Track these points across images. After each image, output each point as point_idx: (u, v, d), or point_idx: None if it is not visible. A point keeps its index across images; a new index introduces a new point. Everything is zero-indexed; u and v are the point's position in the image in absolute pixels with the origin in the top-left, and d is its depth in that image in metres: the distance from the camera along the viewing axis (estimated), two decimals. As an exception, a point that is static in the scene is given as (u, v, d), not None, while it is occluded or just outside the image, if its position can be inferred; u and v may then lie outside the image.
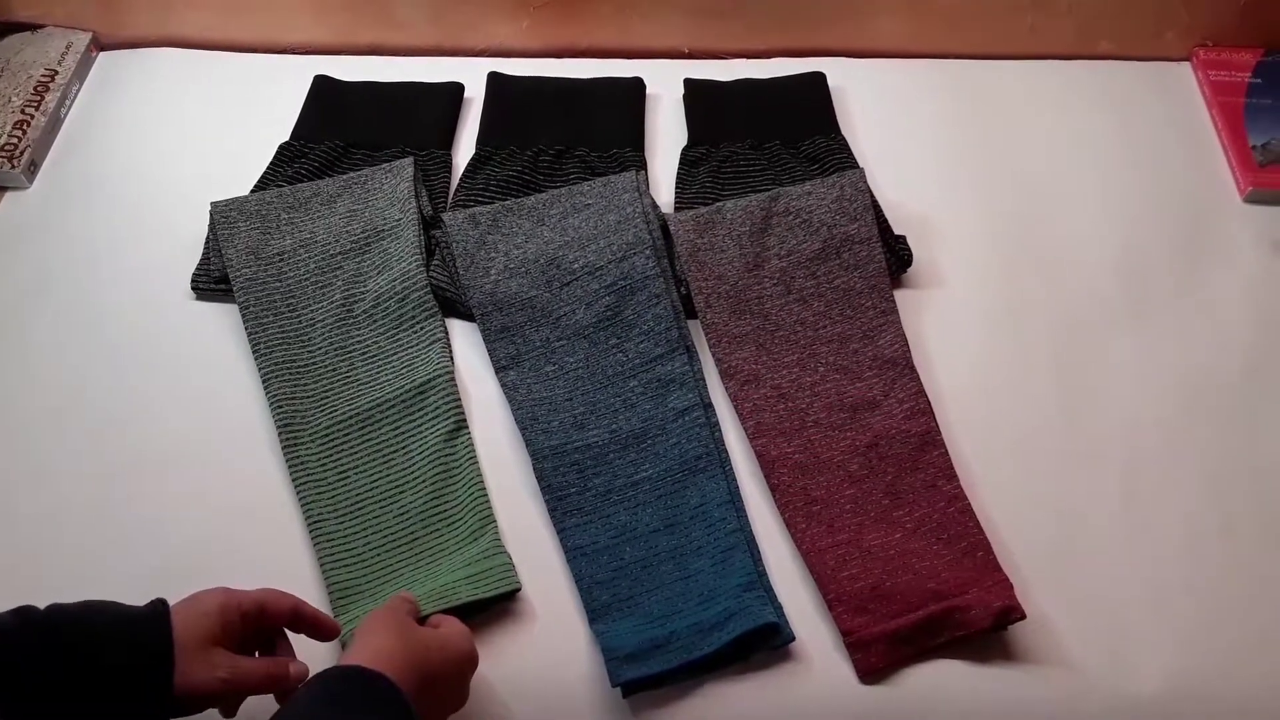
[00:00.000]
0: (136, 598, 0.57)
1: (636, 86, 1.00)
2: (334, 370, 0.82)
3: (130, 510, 0.75)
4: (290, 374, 0.81)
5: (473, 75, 1.01)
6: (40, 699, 0.52)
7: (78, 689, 0.52)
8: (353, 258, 0.87)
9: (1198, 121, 0.99)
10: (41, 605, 0.54)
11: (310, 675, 0.55)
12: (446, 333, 0.84)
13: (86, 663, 0.53)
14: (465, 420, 0.79)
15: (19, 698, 0.51)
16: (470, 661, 0.62)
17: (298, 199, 0.89)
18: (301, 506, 0.75)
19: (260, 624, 0.60)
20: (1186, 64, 1.03)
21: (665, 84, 1.01)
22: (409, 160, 0.91)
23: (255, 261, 0.86)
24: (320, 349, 0.82)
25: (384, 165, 0.91)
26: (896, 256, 0.86)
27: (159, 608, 0.57)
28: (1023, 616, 0.67)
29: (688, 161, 0.94)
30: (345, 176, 0.91)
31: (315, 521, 0.74)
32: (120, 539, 0.74)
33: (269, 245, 0.87)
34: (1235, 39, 1.02)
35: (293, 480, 0.76)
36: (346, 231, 0.88)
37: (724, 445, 0.77)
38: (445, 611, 0.66)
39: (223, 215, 0.88)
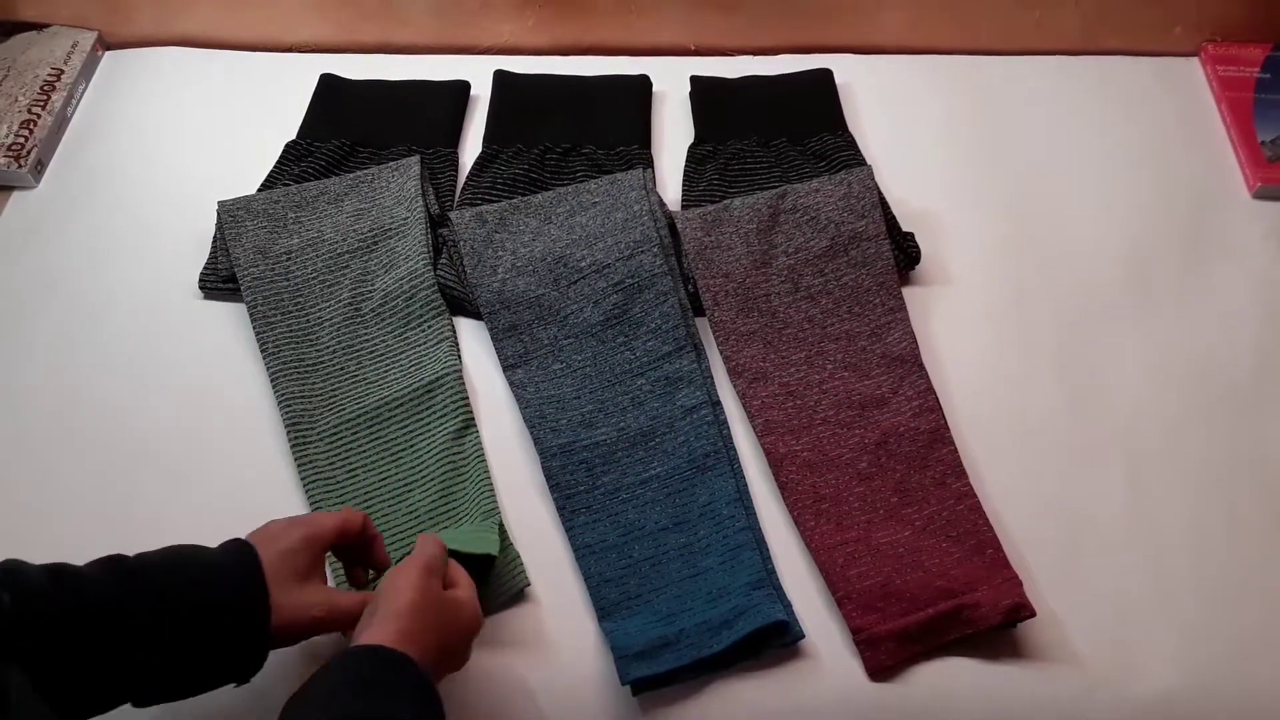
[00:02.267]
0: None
1: (643, 84, 1.00)
2: (342, 369, 0.82)
3: (137, 509, 0.76)
4: (298, 373, 0.81)
5: (479, 73, 1.01)
6: (138, 649, 0.52)
7: (175, 637, 0.52)
8: (360, 256, 0.87)
9: (1206, 117, 0.99)
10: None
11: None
12: (454, 331, 0.84)
13: (183, 612, 0.53)
14: (473, 419, 0.79)
15: (118, 647, 0.51)
16: (477, 627, 0.62)
17: (305, 198, 0.89)
18: (310, 505, 0.75)
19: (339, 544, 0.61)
20: (1195, 59, 1.03)
21: (671, 81, 1.00)
22: (416, 159, 0.91)
23: (263, 260, 0.86)
24: (328, 348, 0.82)
25: (391, 164, 0.91)
26: (904, 253, 0.86)
27: (246, 550, 0.57)
28: (1032, 614, 0.67)
29: (694, 159, 0.94)
30: (352, 175, 0.91)
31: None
32: (126, 538, 0.73)
33: (276, 244, 0.87)
34: (1244, 34, 1.02)
35: (301, 479, 0.76)
36: (354, 230, 0.88)
37: (732, 443, 0.77)
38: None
39: (230, 214, 0.88)
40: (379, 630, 0.54)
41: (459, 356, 0.82)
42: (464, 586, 0.62)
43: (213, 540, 0.71)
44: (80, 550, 0.74)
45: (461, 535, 0.70)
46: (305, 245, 0.87)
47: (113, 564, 0.54)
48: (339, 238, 0.87)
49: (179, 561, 0.55)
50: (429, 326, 0.83)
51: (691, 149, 0.95)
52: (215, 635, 0.54)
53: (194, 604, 0.53)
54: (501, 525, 0.73)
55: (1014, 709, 0.67)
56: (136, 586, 0.53)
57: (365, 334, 0.83)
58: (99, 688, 0.52)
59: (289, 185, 0.91)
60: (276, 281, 0.85)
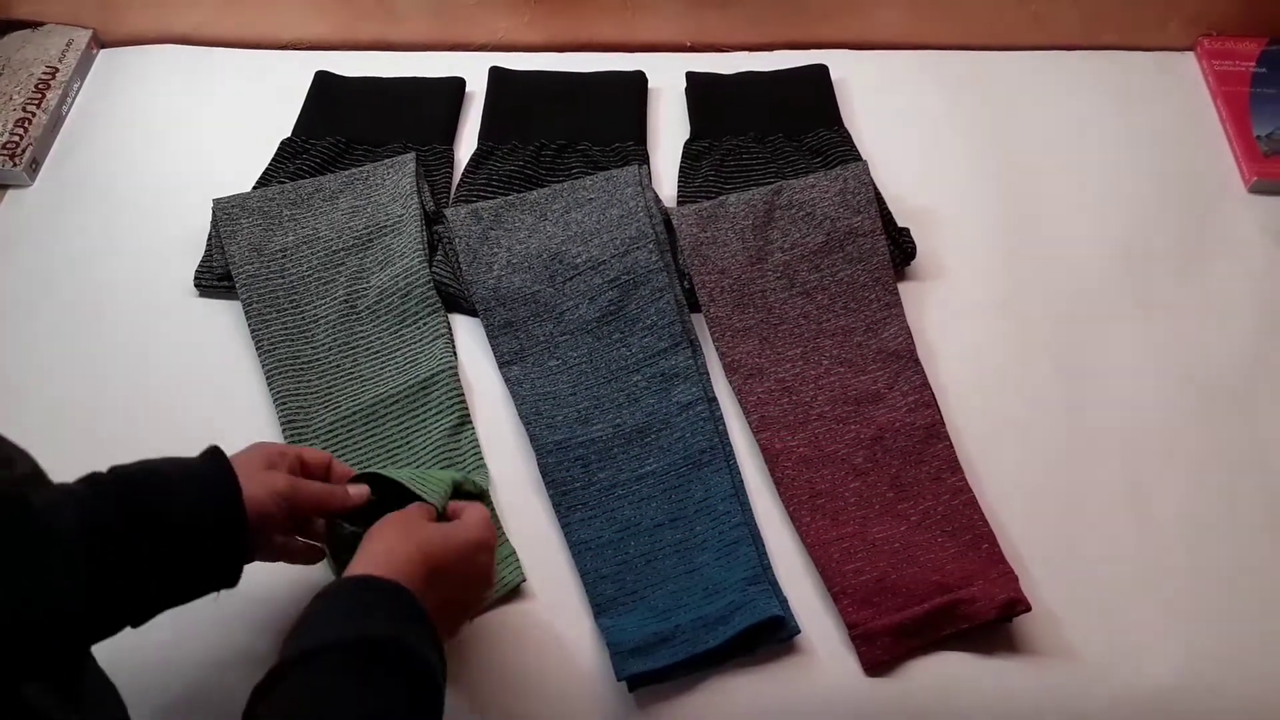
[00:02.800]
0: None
1: (638, 80, 1.00)
2: (338, 366, 0.82)
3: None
4: (294, 370, 0.81)
5: (474, 70, 1.01)
6: (126, 558, 0.51)
7: (157, 539, 0.52)
8: (355, 253, 0.87)
9: (1202, 112, 0.98)
10: None
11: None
12: (450, 328, 0.84)
13: (160, 512, 0.53)
14: (469, 415, 0.79)
15: (108, 559, 0.51)
16: (483, 546, 0.61)
17: (300, 195, 0.89)
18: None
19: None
20: (1190, 54, 1.03)
21: (667, 77, 1.00)
22: (411, 156, 0.91)
23: (258, 258, 0.86)
24: (324, 345, 0.82)
25: (386, 161, 0.91)
26: (900, 249, 0.85)
27: (212, 450, 0.58)
28: (1028, 608, 0.67)
29: (690, 155, 0.94)
30: (347, 172, 0.91)
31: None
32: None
33: (272, 242, 0.87)
34: (1240, 28, 1.02)
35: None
36: (349, 227, 0.88)
37: (728, 439, 0.77)
38: None
39: (225, 212, 0.88)
40: (360, 563, 0.55)
41: (454, 353, 0.82)
42: (467, 510, 0.62)
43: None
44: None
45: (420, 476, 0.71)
46: (300, 242, 0.87)
47: (91, 482, 0.54)
48: (334, 235, 0.87)
49: (150, 470, 0.56)
50: (424, 323, 0.83)
51: (687, 145, 0.95)
52: (192, 535, 0.54)
53: (166, 505, 0.53)
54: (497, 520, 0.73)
55: (1010, 704, 0.67)
56: (119, 500, 0.52)
57: (361, 331, 0.83)
58: (106, 609, 0.52)
59: (284, 183, 0.91)
60: (272, 279, 0.85)
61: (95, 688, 0.53)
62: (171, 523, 0.53)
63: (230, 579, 0.57)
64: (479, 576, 0.61)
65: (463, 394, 0.80)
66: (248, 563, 0.58)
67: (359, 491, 0.63)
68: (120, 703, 0.56)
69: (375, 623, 0.52)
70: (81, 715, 0.42)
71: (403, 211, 0.88)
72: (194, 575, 0.55)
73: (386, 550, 0.56)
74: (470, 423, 0.79)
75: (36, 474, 0.51)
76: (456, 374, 0.81)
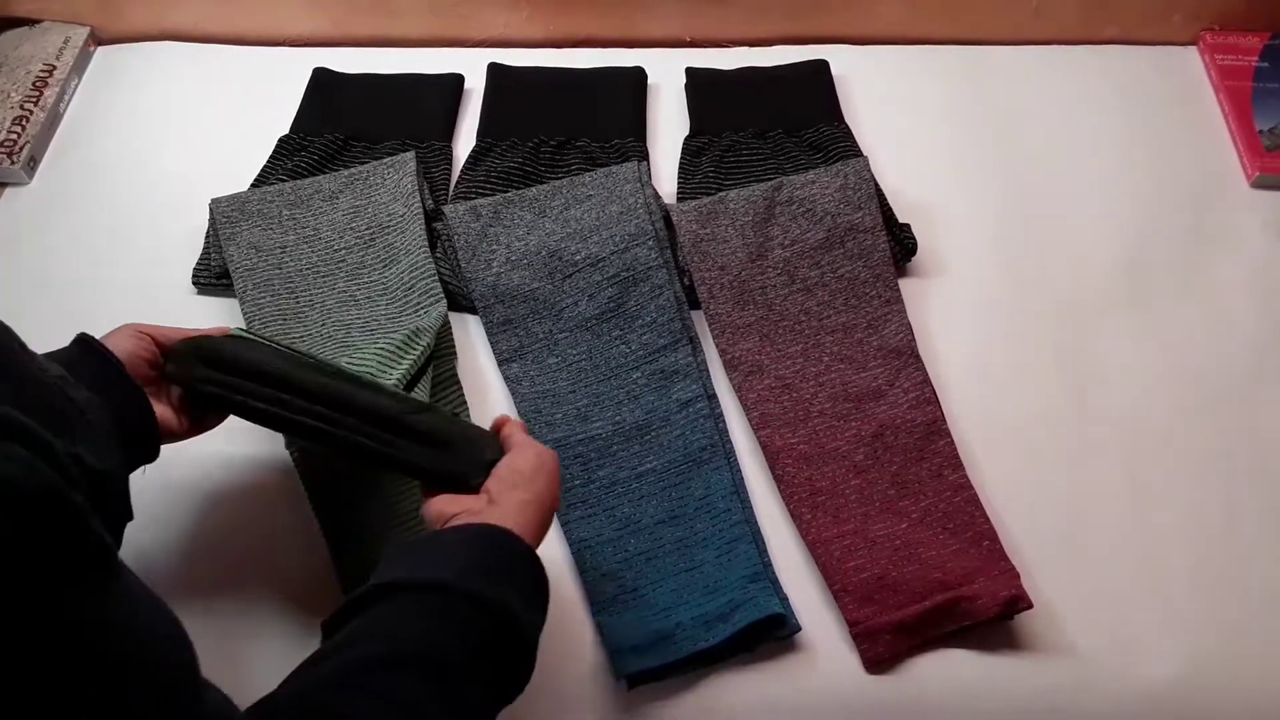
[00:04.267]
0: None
1: (638, 76, 0.99)
2: (330, 338, 0.81)
3: (133, 503, 0.75)
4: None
5: (473, 66, 1.00)
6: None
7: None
8: (357, 252, 0.86)
9: (1204, 106, 0.98)
10: None
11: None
12: (449, 326, 0.83)
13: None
14: (468, 414, 0.79)
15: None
16: (556, 472, 0.61)
17: (299, 196, 0.89)
18: (310, 497, 0.74)
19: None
20: (1193, 48, 1.03)
21: (667, 73, 1.00)
22: (410, 154, 0.91)
23: (256, 254, 0.85)
24: (316, 324, 0.82)
25: (386, 160, 0.91)
26: (901, 245, 0.85)
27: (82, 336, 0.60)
28: (1030, 606, 0.67)
29: (690, 151, 0.94)
30: (347, 172, 0.90)
31: (322, 513, 0.73)
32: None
33: (270, 242, 0.86)
34: (1242, 22, 1.02)
35: (299, 473, 0.75)
36: (350, 227, 0.87)
37: (728, 436, 0.77)
38: None
39: (223, 214, 0.87)
40: (507, 515, 0.55)
41: (454, 351, 0.82)
42: (521, 436, 0.61)
43: (207, 527, 0.71)
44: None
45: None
46: (300, 242, 0.86)
47: None
48: (335, 235, 0.87)
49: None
50: (428, 314, 0.83)
51: (687, 141, 0.94)
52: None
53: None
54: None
55: (1011, 701, 0.67)
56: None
57: (358, 314, 0.83)
58: None
59: (283, 180, 0.91)
60: (272, 278, 0.84)
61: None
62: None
63: (149, 447, 0.59)
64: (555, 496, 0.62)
65: (461, 391, 0.79)
66: (166, 433, 0.59)
67: (218, 329, 0.64)
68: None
69: (506, 589, 0.51)
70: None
71: (404, 210, 0.87)
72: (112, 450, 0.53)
73: (519, 512, 0.56)
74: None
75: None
76: (456, 372, 0.80)
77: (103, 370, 0.58)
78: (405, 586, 0.50)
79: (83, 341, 0.59)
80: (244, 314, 0.82)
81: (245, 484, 0.76)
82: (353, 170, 0.90)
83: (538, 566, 0.54)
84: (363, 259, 0.86)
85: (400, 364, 0.73)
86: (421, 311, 0.83)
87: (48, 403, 0.46)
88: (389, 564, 0.53)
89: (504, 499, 0.56)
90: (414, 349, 0.75)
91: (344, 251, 0.86)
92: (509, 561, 0.53)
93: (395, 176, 0.89)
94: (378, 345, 0.75)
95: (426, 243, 0.86)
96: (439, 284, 0.83)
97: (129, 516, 0.50)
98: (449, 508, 0.57)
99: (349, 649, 0.47)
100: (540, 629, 0.54)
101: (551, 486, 0.59)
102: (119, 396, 0.57)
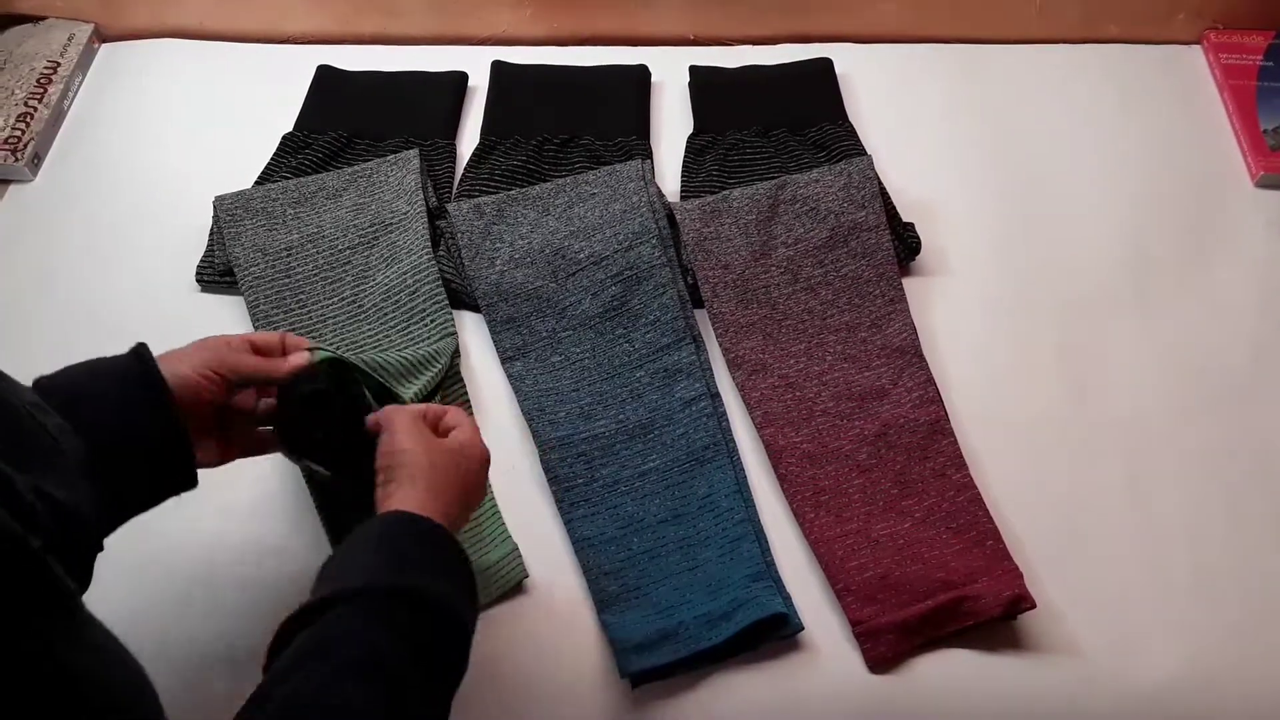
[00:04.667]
0: (143, 592, 0.57)
1: (641, 74, 0.99)
2: None
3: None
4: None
5: (476, 64, 1.00)
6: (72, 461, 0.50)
7: (99, 452, 0.51)
8: (361, 251, 0.86)
9: (1208, 105, 0.98)
10: None
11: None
12: (455, 325, 0.83)
13: (93, 424, 0.51)
14: (471, 411, 0.79)
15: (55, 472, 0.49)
16: (487, 462, 0.62)
17: (303, 193, 0.89)
18: (314, 499, 0.74)
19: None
20: (1197, 47, 1.02)
21: (670, 71, 1.00)
22: (414, 152, 0.91)
23: (263, 259, 0.85)
24: (330, 344, 0.82)
25: (389, 158, 0.91)
26: (905, 244, 0.85)
27: (137, 347, 0.57)
28: (1032, 606, 0.67)
29: (693, 149, 0.94)
30: (350, 170, 0.90)
31: (326, 514, 0.73)
32: (124, 531, 0.74)
33: (275, 241, 0.86)
34: (1246, 21, 1.01)
35: (302, 473, 0.75)
36: (354, 225, 0.87)
37: (731, 435, 0.77)
38: None
39: (228, 213, 0.87)
40: (408, 495, 0.56)
41: (459, 350, 0.82)
42: (465, 427, 0.62)
43: (212, 529, 0.71)
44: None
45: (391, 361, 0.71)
46: (305, 241, 0.86)
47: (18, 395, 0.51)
48: (339, 233, 0.87)
49: (73, 378, 0.54)
50: (432, 320, 0.83)
51: (690, 139, 0.94)
52: (129, 427, 0.53)
53: (99, 408, 0.52)
54: (499, 516, 0.73)
55: (1014, 700, 0.67)
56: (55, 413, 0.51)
57: (369, 330, 0.83)
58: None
59: (286, 177, 0.91)
60: (277, 279, 0.84)
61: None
62: (107, 426, 0.52)
63: (182, 477, 0.57)
64: (482, 488, 0.63)
65: (465, 389, 0.80)
66: (207, 462, 0.58)
67: (296, 360, 0.61)
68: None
69: (417, 573, 0.52)
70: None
71: (408, 208, 0.87)
72: (139, 477, 0.54)
73: (428, 484, 0.56)
74: (472, 419, 0.78)
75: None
76: (458, 371, 0.80)
77: (146, 394, 0.55)
78: (330, 602, 0.50)
79: (138, 357, 0.56)
80: (254, 326, 0.82)
81: (251, 486, 0.76)
82: (356, 168, 0.90)
83: (435, 533, 0.55)
84: (367, 259, 0.86)
85: (415, 381, 0.73)
86: (427, 319, 0.83)
87: (15, 430, 0.45)
88: (316, 586, 0.53)
89: (391, 486, 0.57)
90: (430, 369, 0.75)
91: (348, 252, 0.86)
92: (409, 543, 0.54)
93: (399, 174, 0.89)
94: (402, 355, 0.75)
95: (429, 241, 0.86)
96: (441, 287, 0.83)
97: (98, 549, 0.49)
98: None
99: (285, 681, 0.47)
100: (458, 594, 0.54)
101: (422, 443, 0.59)
102: (156, 423, 0.55)
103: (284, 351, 0.63)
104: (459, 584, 0.54)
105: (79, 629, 0.38)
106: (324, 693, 0.46)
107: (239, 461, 0.63)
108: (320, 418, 0.61)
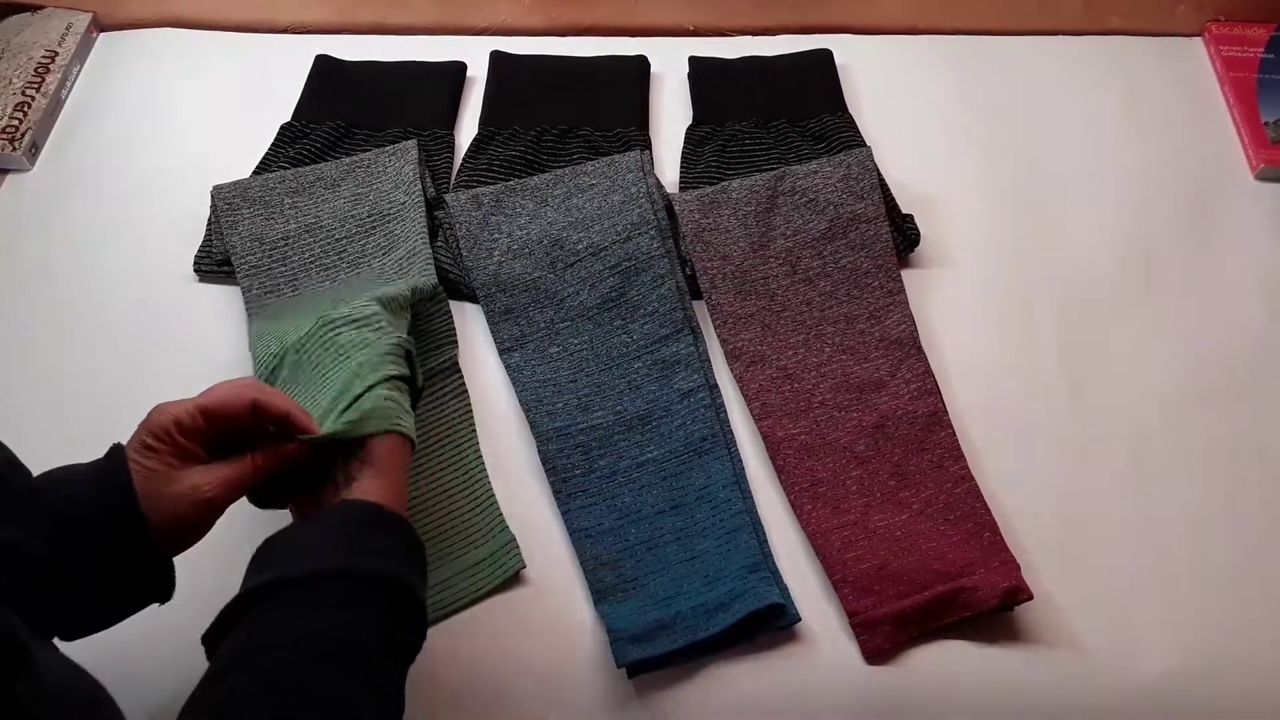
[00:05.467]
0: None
1: (641, 65, 0.99)
2: None
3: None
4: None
5: (475, 54, 1.00)
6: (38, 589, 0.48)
7: (59, 564, 0.49)
8: (358, 241, 0.86)
9: (1209, 98, 0.98)
10: None
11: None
12: (450, 314, 0.83)
13: (55, 536, 0.49)
14: (469, 402, 0.79)
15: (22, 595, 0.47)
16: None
17: (300, 183, 0.89)
18: None
19: (221, 427, 0.56)
20: (1198, 39, 1.02)
21: (670, 62, 0.99)
22: (412, 142, 0.90)
23: (259, 247, 0.85)
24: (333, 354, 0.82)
25: (388, 148, 0.90)
26: (904, 236, 0.85)
27: (114, 456, 0.53)
28: (1030, 597, 0.67)
29: (693, 140, 0.93)
30: (348, 160, 0.90)
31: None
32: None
33: (272, 230, 0.86)
34: (1248, 13, 1.01)
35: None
36: (351, 215, 0.87)
37: (729, 426, 0.77)
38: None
39: (225, 201, 0.87)
40: (372, 490, 0.57)
41: (455, 340, 0.82)
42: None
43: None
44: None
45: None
46: (302, 230, 0.86)
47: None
48: (336, 223, 0.87)
49: (44, 485, 0.51)
50: (428, 309, 0.83)
51: (689, 130, 0.94)
52: (98, 553, 0.50)
53: (63, 521, 0.49)
54: (497, 507, 0.73)
55: (1011, 692, 0.67)
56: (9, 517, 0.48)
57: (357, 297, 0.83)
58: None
59: (284, 167, 0.91)
60: (274, 268, 0.84)
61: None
62: (56, 540, 0.49)
63: (158, 591, 0.54)
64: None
65: (463, 381, 0.79)
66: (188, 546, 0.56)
67: (263, 459, 0.58)
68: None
69: (384, 558, 0.53)
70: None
71: (405, 198, 0.87)
72: (108, 595, 0.52)
73: (390, 489, 0.58)
74: (470, 410, 0.78)
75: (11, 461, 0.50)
76: (456, 361, 0.80)
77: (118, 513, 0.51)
78: (283, 584, 0.50)
79: (112, 470, 0.52)
80: (249, 314, 0.82)
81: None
82: (355, 158, 0.90)
83: (384, 516, 0.56)
84: (363, 248, 0.86)
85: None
86: (423, 307, 0.82)
87: None
88: (257, 568, 0.53)
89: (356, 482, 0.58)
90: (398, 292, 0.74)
91: (345, 241, 0.86)
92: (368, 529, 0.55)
93: (397, 164, 0.89)
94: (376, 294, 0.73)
95: (426, 231, 0.85)
96: (434, 272, 0.83)
97: (48, 586, 0.48)
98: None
99: (244, 665, 0.47)
100: (409, 572, 0.55)
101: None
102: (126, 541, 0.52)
103: (267, 411, 0.57)
104: (413, 566, 0.56)
105: (28, 668, 0.37)
106: (300, 672, 0.46)
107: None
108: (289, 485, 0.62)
